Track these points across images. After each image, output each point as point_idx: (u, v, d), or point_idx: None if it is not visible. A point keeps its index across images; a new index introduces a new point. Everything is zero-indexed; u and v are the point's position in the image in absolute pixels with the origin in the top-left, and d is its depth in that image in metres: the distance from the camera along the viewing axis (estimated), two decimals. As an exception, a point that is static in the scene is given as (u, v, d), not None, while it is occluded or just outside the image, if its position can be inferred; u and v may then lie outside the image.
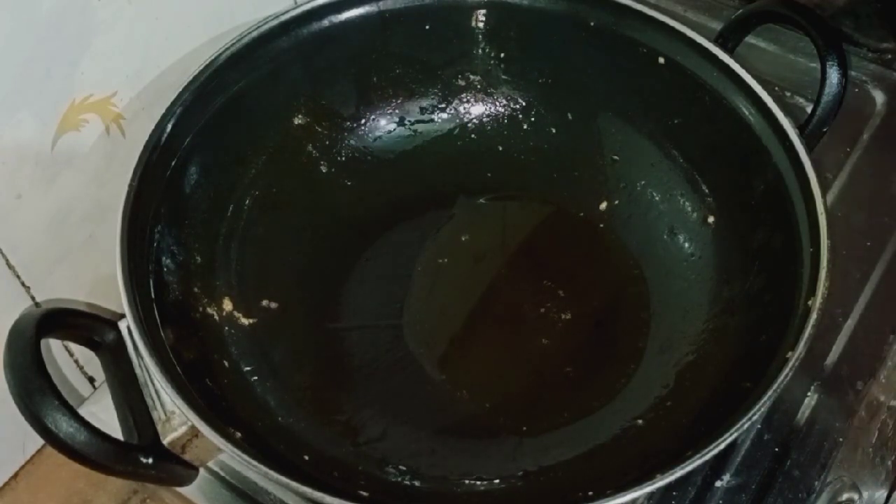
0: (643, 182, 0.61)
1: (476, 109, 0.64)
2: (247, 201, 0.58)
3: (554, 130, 0.64)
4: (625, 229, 0.61)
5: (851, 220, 0.61)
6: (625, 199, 0.61)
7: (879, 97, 0.67)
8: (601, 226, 0.61)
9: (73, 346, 0.58)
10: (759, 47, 0.68)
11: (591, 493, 0.42)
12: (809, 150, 0.52)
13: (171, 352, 0.47)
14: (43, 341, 0.45)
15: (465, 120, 0.65)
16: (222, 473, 0.53)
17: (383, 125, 0.64)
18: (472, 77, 0.64)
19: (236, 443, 0.43)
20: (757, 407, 0.44)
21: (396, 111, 0.64)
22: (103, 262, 0.58)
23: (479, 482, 0.50)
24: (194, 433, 0.46)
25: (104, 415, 0.49)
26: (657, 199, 0.61)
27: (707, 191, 0.59)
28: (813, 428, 0.53)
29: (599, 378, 0.55)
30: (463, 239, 0.61)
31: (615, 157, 0.62)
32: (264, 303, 0.56)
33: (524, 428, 0.53)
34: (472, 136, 0.64)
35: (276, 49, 0.58)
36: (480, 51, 0.63)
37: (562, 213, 0.62)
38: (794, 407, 0.54)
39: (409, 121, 0.64)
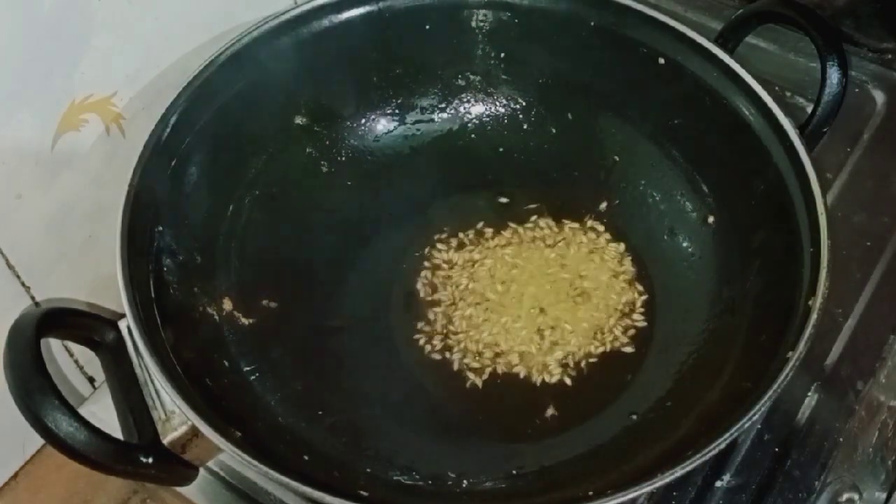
0: (643, 182, 0.61)
1: (476, 109, 0.64)
2: (247, 201, 0.58)
3: (554, 130, 0.64)
4: (625, 229, 0.61)
5: (851, 220, 0.61)
6: (625, 199, 0.61)
7: (879, 97, 0.67)
8: (601, 226, 0.61)
9: (73, 346, 0.58)
10: (759, 47, 0.68)
11: (591, 493, 0.43)
12: (809, 150, 0.52)
13: (171, 352, 0.47)
14: (43, 341, 0.45)
15: (465, 120, 0.64)
16: (222, 473, 0.53)
17: (383, 125, 0.64)
18: (472, 77, 0.64)
19: (236, 443, 0.43)
20: (757, 407, 0.44)
21: (396, 111, 0.64)
22: (103, 262, 0.58)
23: (479, 482, 0.50)
24: (194, 433, 0.46)
25: (104, 415, 0.49)
26: (657, 199, 0.61)
27: (707, 191, 0.59)
28: (813, 428, 0.53)
29: (600, 378, 0.55)
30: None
31: (615, 158, 0.62)
32: (264, 303, 0.56)
33: (524, 428, 0.53)
34: (472, 136, 0.64)
35: (276, 49, 0.58)
36: (480, 51, 0.63)
37: (562, 213, 0.62)
38: (794, 407, 0.54)
39: (409, 121, 0.64)
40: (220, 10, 0.58)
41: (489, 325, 0.57)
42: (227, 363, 0.52)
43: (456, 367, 0.55)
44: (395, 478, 0.50)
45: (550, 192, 0.62)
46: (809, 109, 0.56)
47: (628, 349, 0.56)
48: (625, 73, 0.60)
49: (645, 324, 0.57)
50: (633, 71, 0.59)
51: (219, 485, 0.53)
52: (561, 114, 0.63)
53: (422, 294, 0.58)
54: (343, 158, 0.62)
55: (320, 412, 0.53)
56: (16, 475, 0.61)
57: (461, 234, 0.61)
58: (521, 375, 0.55)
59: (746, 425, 0.43)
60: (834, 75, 0.54)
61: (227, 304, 0.55)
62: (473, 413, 0.54)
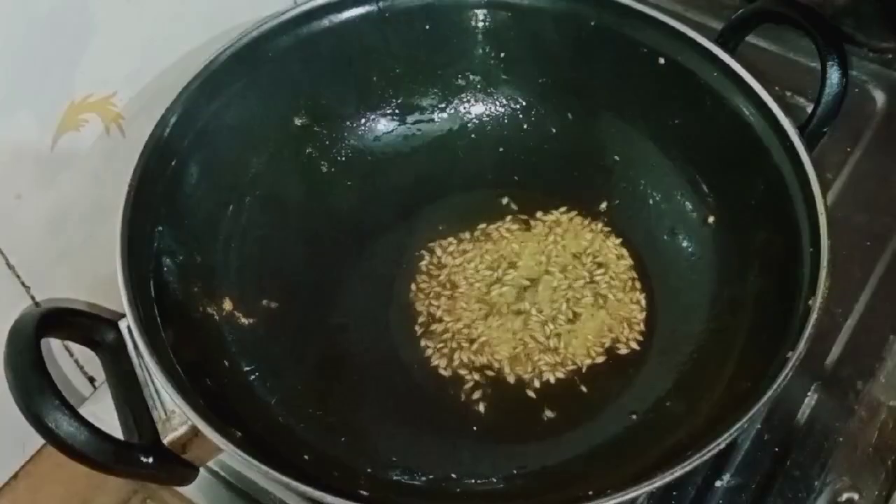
0: (643, 182, 0.61)
1: (476, 109, 0.64)
2: (247, 201, 0.58)
3: (554, 130, 0.64)
4: (625, 229, 0.61)
5: (851, 220, 0.61)
6: (625, 199, 0.61)
7: (880, 97, 0.67)
8: (601, 226, 0.61)
9: (73, 346, 0.58)
10: (759, 47, 0.68)
11: (591, 492, 0.43)
12: (810, 150, 0.52)
13: (171, 352, 0.47)
14: (43, 341, 0.45)
15: (465, 120, 0.64)
16: (222, 473, 0.53)
17: (383, 125, 0.64)
18: (472, 77, 0.64)
19: (236, 443, 0.43)
20: (757, 407, 0.44)
21: (396, 111, 0.63)
22: (103, 262, 0.58)
23: (479, 482, 0.50)
24: (194, 433, 0.46)
25: (104, 415, 0.49)
26: (657, 199, 0.61)
27: (707, 191, 0.59)
28: (813, 428, 0.53)
29: (600, 378, 0.55)
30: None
31: (615, 158, 0.62)
32: (264, 303, 0.56)
33: (524, 428, 0.53)
34: (472, 136, 0.64)
35: (276, 49, 0.58)
36: (480, 51, 0.63)
37: (561, 213, 0.62)
38: (794, 407, 0.54)
39: (409, 121, 0.64)
40: (220, 10, 0.58)
41: (488, 325, 0.57)
42: (227, 363, 0.52)
43: (456, 366, 0.55)
44: (395, 478, 0.50)
45: (550, 192, 0.62)
46: (809, 109, 0.56)
47: (628, 349, 0.56)
48: (625, 73, 0.60)
49: (645, 324, 0.57)
50: (633, 71, 0.59)
51: (219, 485, 0.53)
52: (561, 114, 0.63)
53: (421, 294, 0.58)
54: (343, 158, 0.62)
55: (320, 412, 0.53)
56: (16, 475, 0.61)
57: (461, 234, 0.61)
58: (522, 376, 0.55)
59: (746, 425, 0.43)
60: (834, 75, 0.54)
61: (227, 304, 0.55)
62: (474, 413, 0.54)
